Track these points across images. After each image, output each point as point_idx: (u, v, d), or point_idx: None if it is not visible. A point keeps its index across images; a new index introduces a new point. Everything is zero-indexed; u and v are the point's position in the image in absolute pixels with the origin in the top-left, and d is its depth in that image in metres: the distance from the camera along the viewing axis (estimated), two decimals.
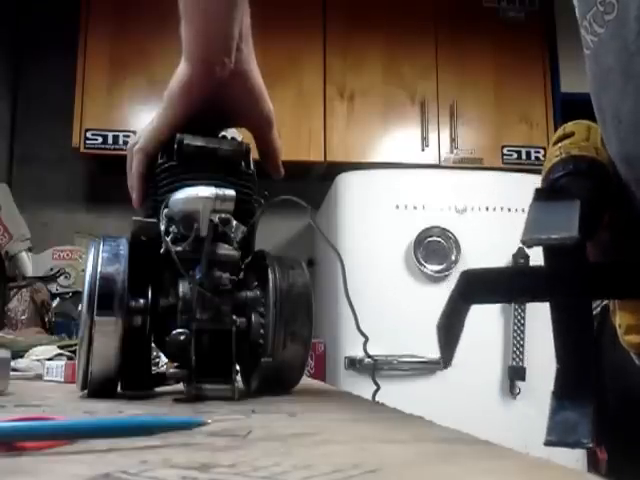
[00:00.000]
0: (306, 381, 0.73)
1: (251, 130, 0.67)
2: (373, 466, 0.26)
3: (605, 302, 0.68)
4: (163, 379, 0.57)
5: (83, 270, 0.58)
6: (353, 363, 2.16)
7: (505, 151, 2.84)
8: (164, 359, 0.81)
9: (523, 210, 2.27)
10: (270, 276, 0.59)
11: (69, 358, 0.93)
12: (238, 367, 0.60)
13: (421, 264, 2.23)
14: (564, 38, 2.90)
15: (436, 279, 2.24)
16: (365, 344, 0.68)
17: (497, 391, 2.21)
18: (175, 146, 0.60)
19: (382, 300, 2.18)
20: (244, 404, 0.51)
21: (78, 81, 2.66)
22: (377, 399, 0.65)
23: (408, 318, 2.19)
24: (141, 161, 0.62)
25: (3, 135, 2.91)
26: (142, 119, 2.50)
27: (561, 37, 2.93)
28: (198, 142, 0.60)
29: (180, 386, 0.54)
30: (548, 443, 0.41)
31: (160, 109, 0.62)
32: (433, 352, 2.08)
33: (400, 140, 2.82)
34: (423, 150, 2.81)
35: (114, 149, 2.63)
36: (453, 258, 2.23)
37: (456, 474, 0.26)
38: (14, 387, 0.60)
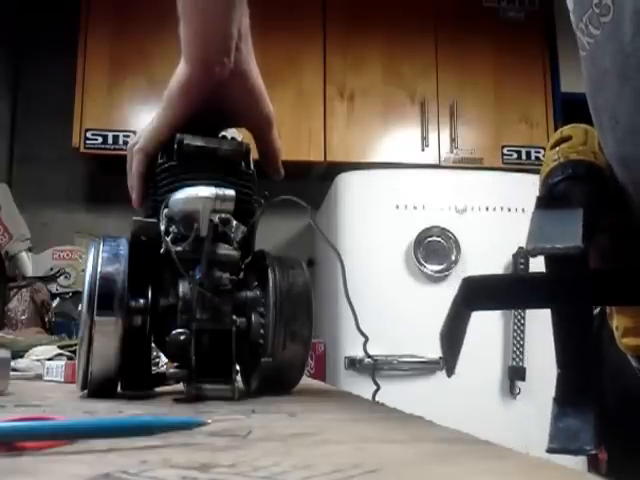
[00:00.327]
0: (306, 381, 0.73)
1: (251, 130, 0.67)
2: (373, 466, 0.26)
3: None
4: (163, 379, 0.57)
5: (83, 270, 0.58)
6: (353, 363, 2.16)
7: (505, 151, 2.84)
8: (164, 359, 0.81)
9: (523, 210, 2.27)
10: (270, 276, 0.59)
11: (69, 358, 0.93)
12: (238, 367, 0.60)
13: (421, 264, 2.24)
14: (564, 38, 2.90)
15: (436, 279, 2.24)
16: (365, 344, 0.68)
17: (497, 391, 2.21)
18: (175, 146, 0.60)
19: (382, 300, 2.18)
20: (244, 404, 0.51)
21: (78, 81, 2.66)
22: (377, 399, 0.65)
23: (408, 318, 2.19)
24: (141, 161, 0.62)
25: (3, 135, 2.91)
26: (142, 119, 2.50)
27: (561, 37, 2.93)
28: (198, 142, 0.60)
29: (180, 386, 0.54)
30: (551, 450, 0.41)
31: (160, 109, 0.62)
32: (433, 352, 2.09)
33: (400, 140, 2.82)
34: (423, 150, 2.81)
35: (114, 149, 2.63)
36: (453, 258, 2.23)
37: (456, 474, 0.26)
38: (14, 387, 0.60)
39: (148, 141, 0.62)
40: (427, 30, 2.86)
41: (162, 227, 0.57)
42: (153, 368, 0.65)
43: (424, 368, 2.15)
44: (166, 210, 0.58)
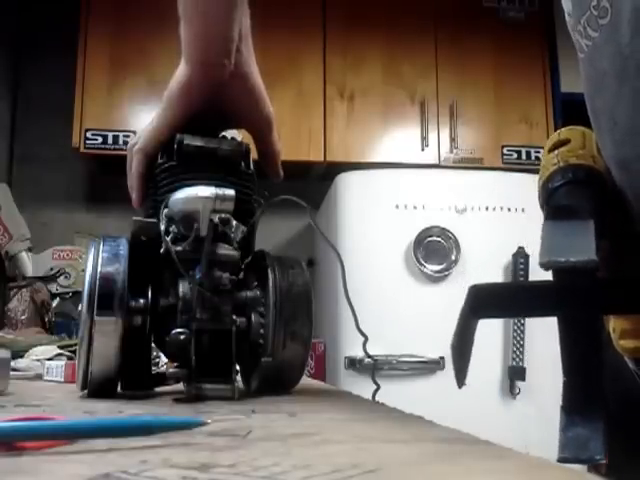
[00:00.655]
0: (306, 381, 0.73)
1: (251, 132, 0.67)
2: (373, 466, 0.26)
3: None
4: (163, 379, 0.57)
5: (83, 270, 0.58)
6: (353, 363, 2.16)
7: (505, 151, 2.84)
8: (164, 359, 0.81)
9: (523, 210, 2.27)
10: (270, 276, 0.59)
11: (69, 358, 0.93)
12: (238, 367, 0.60)
13: (421, 264, 2.23)
14: (564, 38, 2.90)
15: (436, 279, 2.24)
16: (365, 344, 0.68)
17: (497, 391, 2.20)
18: (175, 146, 0.60)
19: (382, 300, 2.18)
20: (244, 404, 0.51)
21: (78, 81, 2.66)
22: (377, 399, 0.65)
23: (408, 318, 2.19)
24: (141, 161, 0.62)
25: (3, 135, 2.91)
26: (142, 119, 2.50)
27: (561, 37, 2.93)
28: (198, 142, 0.60)
29: (180, 386, 0.54)
30: (562, 460, 0.41)
31: (159, 110, 0.62)
32: (433, 352, 2.09)
33: (400, 140, 2.82)
34: (423, 150, 2.81)
35: (114, 149, 2.63)
36: (453, 258, 2.23)
37: (456, 474, 0.26)
38: (14, 387, 0.60)
39: (148, 141, 0.62)
40: (427, 30, 2.86)
41: (162, 227, 0.57)
42: (153, 368, 0.65)
43: (424, 368, 2.15)
44: (166, 210, 0.57)
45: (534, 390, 2.13)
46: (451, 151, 2.82)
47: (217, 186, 0.57)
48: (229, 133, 0.65)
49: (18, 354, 0.95)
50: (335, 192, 2.40)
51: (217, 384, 0.53)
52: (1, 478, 0.24)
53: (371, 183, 2.35)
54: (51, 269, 2.03)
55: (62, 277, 2.02)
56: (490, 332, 2.17)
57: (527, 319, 2.18)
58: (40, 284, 1.79)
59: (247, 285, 0.60)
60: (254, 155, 0.65)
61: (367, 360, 2.02)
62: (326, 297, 2.26)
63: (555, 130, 0.60)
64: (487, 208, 2.32)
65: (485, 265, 2.21)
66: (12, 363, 0.68)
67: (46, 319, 1.69)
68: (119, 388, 0.56)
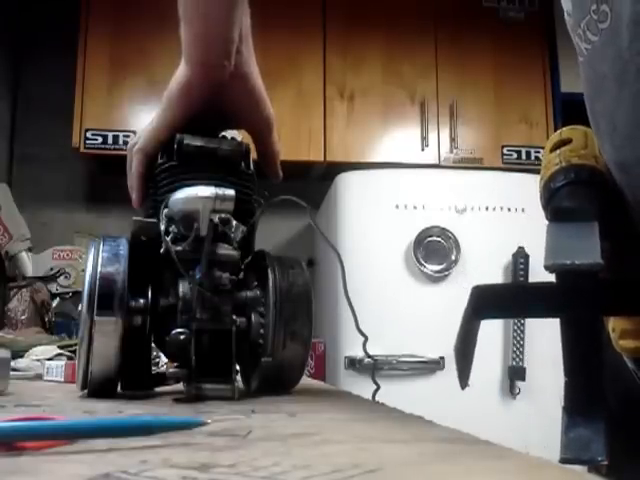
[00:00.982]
0: (306, 381, 0.73)
1: (250, 133, 0.67)
2: (373, 466, 0.26)
3: None
4: (163, 379, 0.57)
5: (83, 270, 0.58)
6: (353, 363, 2.16)
7: (505, 151, 2.84)
8: (164, 359, 0.81)
9: (523, 210, 2.27)
10: (270, 276, 0.59)
11: (69, 358, 0.93)
12: (238, 367, 0.60)
13: (421, 264, 2.23)
14: (564, 38, 2.90)
15: (436, 279, 2.24)
16: (365, 344, 0.68)
17: (497, 391, 2.20)
18: (175, 146, 0.60)
19: (382, 300, 2.18)
20: (244, 404, 0.51)
21: (78, 81, 2.66)
22: (377, 399, 0.65)
23: (408, 318, 2.19)
24: (141, 161, 0.62)
25: (3, 135, 2.91)
26: (142, 119, 2.50)
27: (561, 37, 2.93)
28: (198, 142, 0.60)
29: (180, 386, 0.54)
30: (564, 461, 0.41)
31: (159, 110, 0.62)
32: (433, 352, 2.09)
33: (400, 140, 2.82)
34: (423, 150, 2.81)
35: (114, 149, 2.63)
36: (453, 258, 2.23)
37: (456, 474, 0.26)
38: (14, 387, 0.60)
39: (148, 141, 0.62)
40: (427, 30, 2.86)
41: (162, 227, 0.57)
42: (153, 368, 0.65)
43: (424, 368, 2.15)
44: (166, 210, 0.58)
45: (534, 390, 2.13)
46: (451, 151, 2.82)
47: (217, 186, 0.57)
48: (229, 133, 0.65)
49: (18, 354, 0.95)
50: (335, 192, 2.40)
51: (217, 384, 0.53)
52: (1, 478, 0.24)
53: (371, 183, 2.35)
54: (51, 269, 2.03)
55: (62, 277, 2.02)
56: (490, 332, 2.17)
57: (527, 319, 2.18)
58: (40, 284, 1.79)
59: (247, 285, 0.60)
60: (254, 155, 0.65)
61: (367, 360, 2.02)
62: (326, 297, 2.26)
63: (555, 130, 0.60)
64: (487, 208, 2.32)
65: (485, 265, 2.21)
66: (12, 363, 0.68)
67: (46, 319, 1.69)
68: (119, 388, 0.56)
